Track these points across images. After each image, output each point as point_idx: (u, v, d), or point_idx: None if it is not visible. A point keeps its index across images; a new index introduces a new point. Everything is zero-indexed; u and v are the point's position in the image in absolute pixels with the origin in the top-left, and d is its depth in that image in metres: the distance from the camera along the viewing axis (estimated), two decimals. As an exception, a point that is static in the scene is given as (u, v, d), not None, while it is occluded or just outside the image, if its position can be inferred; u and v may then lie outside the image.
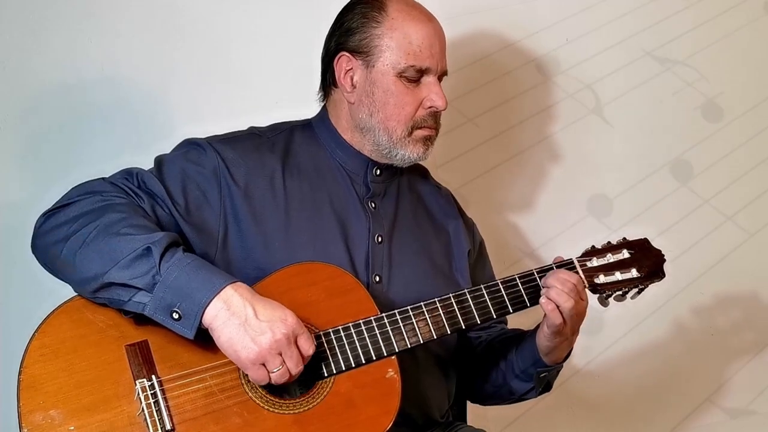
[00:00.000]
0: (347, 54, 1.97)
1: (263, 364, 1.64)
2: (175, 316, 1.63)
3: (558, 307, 1.85)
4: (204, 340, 1.67)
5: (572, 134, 2.78)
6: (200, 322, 1.63)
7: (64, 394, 1.61)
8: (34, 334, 1.65)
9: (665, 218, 2.80)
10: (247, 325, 1.63)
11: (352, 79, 1.97)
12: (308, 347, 1.68)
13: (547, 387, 2.08)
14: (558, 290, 1.86)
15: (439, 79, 1.98)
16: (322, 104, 2.07)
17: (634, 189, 2.81)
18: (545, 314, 1.88)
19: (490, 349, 2.10)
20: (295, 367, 1.66)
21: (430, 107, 1.95)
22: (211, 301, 1.63)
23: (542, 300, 1.87)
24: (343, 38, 1.98)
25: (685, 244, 2.80)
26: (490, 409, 2.22)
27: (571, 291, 1.86)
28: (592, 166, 2.80)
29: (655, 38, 2.84)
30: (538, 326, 1.95)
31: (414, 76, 1.94)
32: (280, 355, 1.65)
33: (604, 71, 2.81)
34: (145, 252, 1.64)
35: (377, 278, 1.95)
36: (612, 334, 2.75)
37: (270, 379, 1.65)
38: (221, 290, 1.64)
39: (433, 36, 1.95)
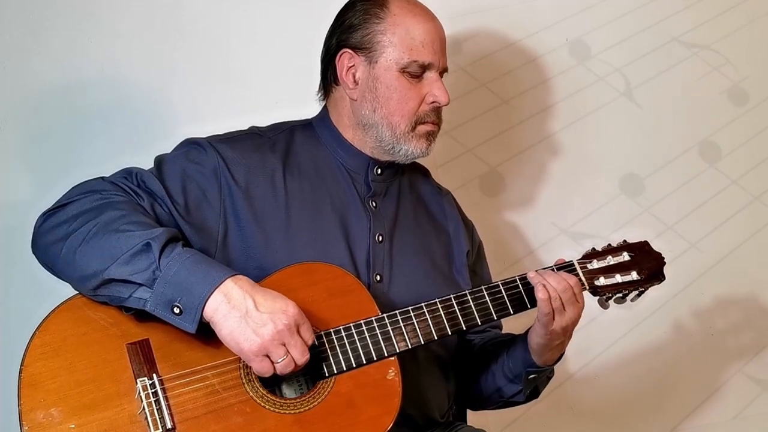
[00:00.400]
0: (349, 51, 1.97)
1: (267, 356, 1.64)
2: (176, 310, 1.63)
3: (549, 297, 1.86)
4: (205, 338, 1.67)
5: (572, 133, 2.79)
6: (201, 315, 1.63)
7: (64, 392, 1.61)
8: (34, 333, 1.65)
9: (664, 219, 2.81)
10: (248, 317, 1.63)
11: (354, 75, 1.97)
12: (308, 337, 1.68)
13: (534, 393, 2.08)
14: (551, 285, 1.86)
15: (440, 75, 1.98)
16: (323, 104, 2.07)
17: (641, 183, 2.82)
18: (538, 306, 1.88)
19: (482, 352, 2.10)
20: (301, 356, 1.66)
21: (432, 102, 1.96)
22: (211, 294, 1.63)
23: (537, 287, 1.87)
24: (345, 35, 1.98)
25: (684, 245, 2.81)
26: (491, 410, 2.22)
27: (565, 290, 1.87)
28: (594, 164, 2.80)
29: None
30: (530, 328, 1.95)
31: (417, 72, 1.94)
32: (284, 345, 1.65)
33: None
34: (144, 248, 1.64)
35: (378, 277, 1.95)
36: (611, 334, 2.75)
37: (275, 369, 1.65)
38: (221, 283, 1.64)
39: (435, 32, 1.96)
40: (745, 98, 2.89)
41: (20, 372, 1.61)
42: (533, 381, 2.02)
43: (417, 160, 2.06)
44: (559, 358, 2.01)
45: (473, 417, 2.21)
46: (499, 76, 2.70)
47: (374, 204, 2.01)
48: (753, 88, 2.90)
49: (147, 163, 1.89)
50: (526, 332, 1.97)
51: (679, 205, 2.62)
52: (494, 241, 2.36)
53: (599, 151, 2.80)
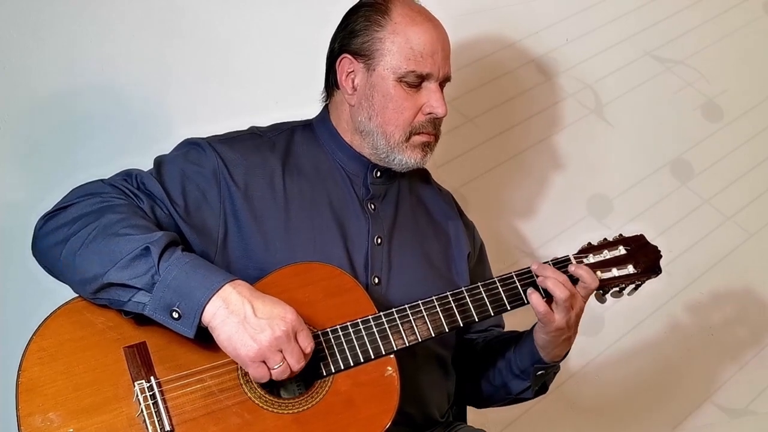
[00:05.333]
0: (349, 56, 1.96)
1: (264, 362, 1.65)
2: (175, 315, 1.63)
3: (553, 299, 1.87)
4: (202, 340, 1.67)
5: (572, 134, 2.79)
6: (200, 320, 1.63)
7: (63, 396, 1.61)
8: (32, 337, 1.65)
9: (665, 217, 2.82)
10: (246, 323, 1.63)
11: (353, 81, 1.97)
12: (307, 344, 1.68)
13: (543, 388, 2.08)
14: (553, 280, 1.87)
15: (442, 85, 1.97)
16: (324, 105, 2.07)
17: (635, 188, 2.82)
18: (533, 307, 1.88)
19: (488, 349, 2.10)
20: (297, 363, 1.66)
21: (429, 113, 1.94)
22: (209, 299, 1.63)
23: (528, 289, 1.88)
24: (347, 40, 1.97)
25: (684, 244, 2.81)
26: (491, 410, 2.23)
27: (566, 282, 1.87)
28: (592, 166, 2.80)
29: (655, 38, 2.87)
30: (536, 324, 1.95)
31: (414, 82, 1.93)
32: (281, 352, 1.65)
33: (605, 71, 2.83)
34: (143, 252, 1.64)
35: (376, 280, 1.95)
36: (612, 335, 2.75)
37: (271, 376, 1.66)
38: (220, 288, 1.64)
39: (436, 42, 1.94)
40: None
41: (18, 377, 1.61)
42: (541, 377, 2.02)
43: (415, 165, 2.05)
44: (567, 353, 2.01)
45: (473, 417, 2.22)
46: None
47: (373, 207, 2.00)
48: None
49: (146, 164, 1.89)
50: (533, 328, 1.97)
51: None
52: (494, 241, 2.37)
53: (600, 148, 2.81)
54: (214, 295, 1.64)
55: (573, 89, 2.78)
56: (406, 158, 1.96)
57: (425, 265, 2.04)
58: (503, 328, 2.19)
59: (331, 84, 2.03)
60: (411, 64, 1.92)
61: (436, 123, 1.98)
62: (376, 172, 2.01)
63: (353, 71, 1.96)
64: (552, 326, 1.89)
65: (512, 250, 2.72)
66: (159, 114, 2.47)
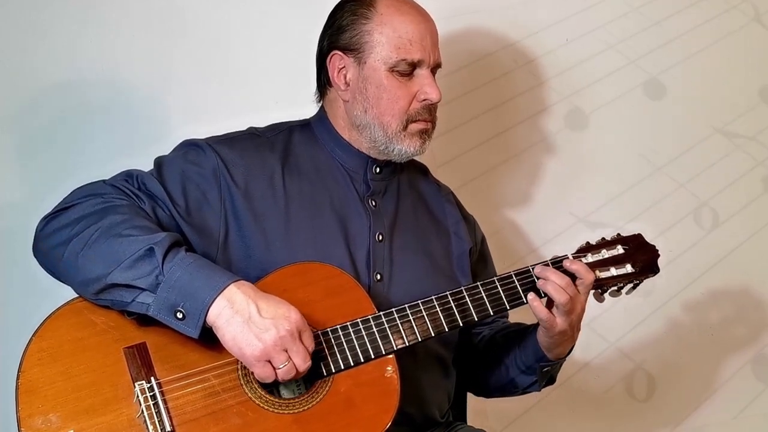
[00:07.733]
0: (339, 52, 1.97)
1: (269, 361, 1.65)
2: (179, 315, 1.63)
3: (554, 302, 1.87)
4: (203, 341, 1.67)
5: (572, 134, 2.79)
6: (204, 320, 1.64)
7: (62, 397, 1.61)
8: (31, 338, 1.65)
9: (664, 219, 2.81)
10: (251, 322, 1.63)
11: (345, 77, 1.97)
12: (309, 344, 1.68)
13: (550, 380, 2.08)
14: (554, 285, 1.87)
15: (433, 71, 1.98)
16: (320, 104, 2.07)
17: (635, 188, 2.83)
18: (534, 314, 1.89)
19: (492, 344, 2.11)
20: (303, 363, 1.66)
21: (424, 100, 1.95)
22: (214, 299, 1.63)
23: (529, 296, 1.88)
24: (335, 37, 1.98)
25: (684, 245, 2.81)
26: (491, 408, 2.23)
27: (567, 286, 1.87)
28: (592, 165, 2.80)
29: None
30: (538, 325, 1.95)
31: (406, 70, 1.93)
32: (286, 351, 1.65)
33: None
34: (147, 252, 1.64)
35: (378, 276, 1.96)
36: (613, 332, 2.75)
37: (276, 376, 1.66)
38: (224, 288, 1.64)
39: (424, 29, 1.95)
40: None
41: (18, 378, 1.61)
42: (547, 373, 2.03)
43: (416, 159, 2.05)
44: (571, 350, 2.01)
45: (474, 414, 2.22)
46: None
47: (374, 203, 2.01)
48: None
49: (147, 164, 1.89)
50: (537, 325, 1.97)
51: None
52: (496, 240, 2.36)
53: (598, 147, 2.81)
54: (218, 295, 1.64)
55: (568, 91, 2.78)
56: (405, 147, 1.96)
57: (427, 261, 2.04)
58: (508, 317, 2.19)
59: (324, 83, 2.03)
60: (401, 52, 1.92)
61: (431, 109, 1.98)
62: (376, 168, 2.02)
63: (344, 67, 1.97)
64: (555, 330, 1.89)
65: (513, 249, 2.72)
66: (159, 114, 2.47)
